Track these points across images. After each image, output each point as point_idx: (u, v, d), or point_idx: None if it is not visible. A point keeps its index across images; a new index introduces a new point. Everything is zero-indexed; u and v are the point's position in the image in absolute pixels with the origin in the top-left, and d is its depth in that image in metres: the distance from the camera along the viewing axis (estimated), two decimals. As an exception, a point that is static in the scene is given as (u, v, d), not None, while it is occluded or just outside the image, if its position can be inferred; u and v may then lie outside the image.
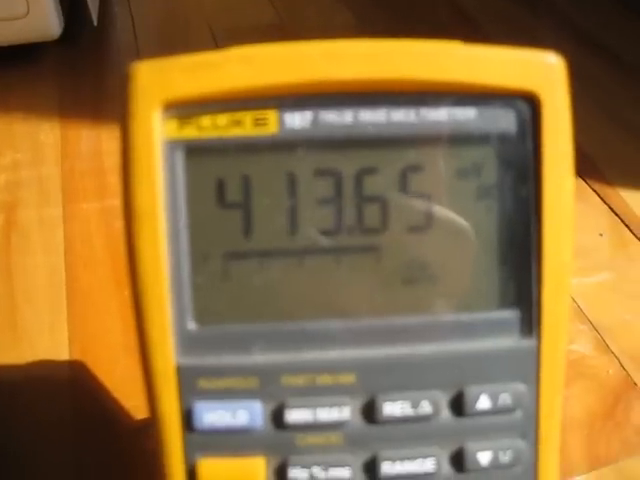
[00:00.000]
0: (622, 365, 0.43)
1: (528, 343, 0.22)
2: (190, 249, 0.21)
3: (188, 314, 0.21)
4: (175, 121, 0.21)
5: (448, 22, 0.76)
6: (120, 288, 0.48)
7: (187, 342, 0.21)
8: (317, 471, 0.21)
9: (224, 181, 0.21)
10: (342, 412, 0.21)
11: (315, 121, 0.21)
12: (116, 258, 0.50)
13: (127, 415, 0.40)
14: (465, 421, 0.22)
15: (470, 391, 0.21)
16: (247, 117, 0.21)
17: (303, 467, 0.21)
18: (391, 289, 0.22)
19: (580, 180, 0.56)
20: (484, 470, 0.22)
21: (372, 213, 0.21)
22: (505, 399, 0.21)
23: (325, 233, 0.21)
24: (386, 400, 0.21)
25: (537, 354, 0.22)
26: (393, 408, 0.21)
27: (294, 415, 0.21)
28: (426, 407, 0.21)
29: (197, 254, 0.21)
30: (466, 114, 0.21)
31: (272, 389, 0.21)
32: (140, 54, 0.71)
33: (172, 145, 0.21)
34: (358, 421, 0.21)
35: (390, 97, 0.21)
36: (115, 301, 0.47)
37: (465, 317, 0.22)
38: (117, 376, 0.42)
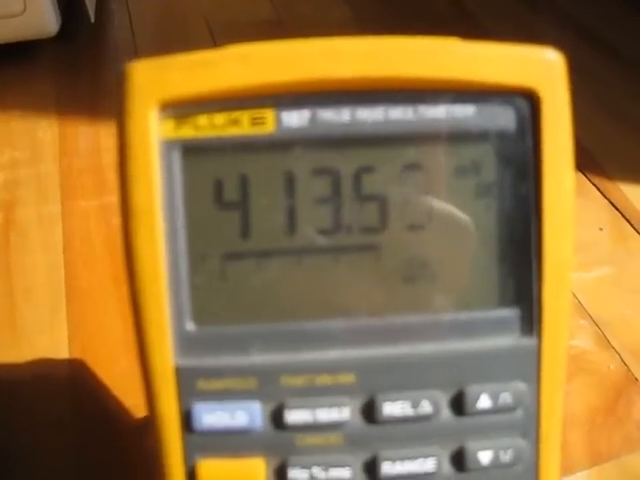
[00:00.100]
0: (623, 360, 0.43)
1: (528, 342, 0.21)
2: (188, 249, 0.21)
3: (186, 315, 0.21)
4: (172, 121, 0.20)
5: (447, 17, 0.75)
6: (119, 285, 0.47)
7: (185, 343, 0.21)
8: (317, 471, 0.21)
9: (221, 181, 0.21)
10: (342, 412, 0.21)
11: (313, 120, 0.21)
12: (115, 255, 0.50)
13: (127, 413, 0.40)
14: (465, 420, 0.21)
15: (470, 390, 0.21)
16: (244, 116, 0.21)
17: (303, 467, 0.21)
18: (390, 288, 0.22)
19: (580, 174, 0.55)
20: (485, 469, 0.22)
21: (371, 212, 0.21)
22: (506, 398, 0.21)
23: (323, 232, 0.21)
24: (386, 400, 0.21)
25: (538, 353, 0.21)
26: (393, 408, 0.21)
27: (293, 415, 0.21)
28: (426, 407, 0.21)
29: (195, 254, 0.21)
30: (465, 111, 0.21)
31: (271, 390, 0.21)
32: (137, 50, 0.71)
33: (169, 145, 0.20)
34: (358, 421, 0.21)
35: (388, 95, 0.21)
36: (115, 299, 0.47)
37: (465, 316, 0.22)
38: (117, 374, 0.42)
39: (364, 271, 0.21)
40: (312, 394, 0.21)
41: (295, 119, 0.21)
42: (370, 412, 0.21)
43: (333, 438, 0.21)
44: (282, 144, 0.21)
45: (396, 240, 0.21)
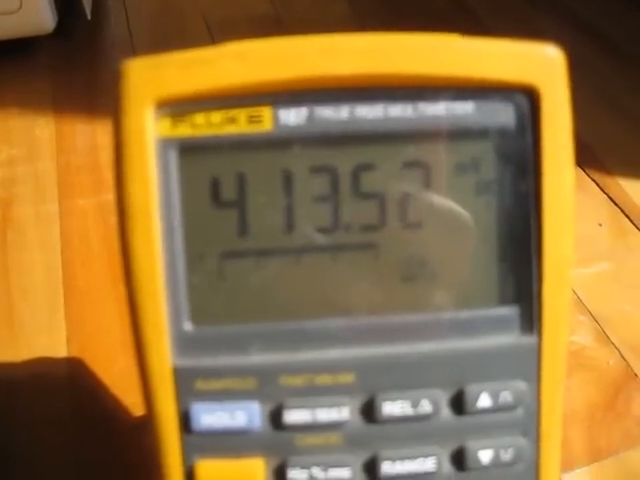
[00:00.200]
0: (622, 356, 0.43)
1: (529, 340, 0.21)
2: (185, 248, 0.21)
3: (184, 314, 0.21)
4: (168, 119, 0.20)
5: (446, 13, 0.75)
6: (117, 284, 0.47)
7: (183, 343, 0.21)
8: (317, 472, 0.21)
9: (219, 179, 0.21)
10: (341, 412, 0.21)
11: (311, 117, 0.20)
12: (113, 254, 0.50)
13: (125, 412, 0.40)
14: (466, 420, 0.21)
15: (470, 389, 0.21)
16: (241, 114, 0.20)
17: (302, 468, 0.21)
18: (390, 287, 0.22)
19: (579, 169, 0.55)
20: (485, 469, 0.22)
21: (370, 210, 0.21)
22: (506, 397, 0.21)
23: (322, 231, 0.21)
24: (386, 399, 0.21)
25: (538, 351, 0.21)
26: (393, 407, 0.21)
27: (293, 416, 0.21)
28: (426, 406, 0.21)
29: (192, 253, 0.21)
30: (464, 108, 0.21)
31: (270, 390, 0.21)
32: (135, 47, 0.71)
33: (165, 143, 0.20)
34: (358, 421, 0.21)
35: (387, 92, 0.20)
36: (113, 298, 0.47)
37: (465, 314, 0.21)
38: (115, 373, 0.42)
39: (363, 270, 0.21)
40: (311, 394, 0.21)
41: (293, 117, 0.20)
42: (370, 412, 0.21)
43: (333, 438, 0.21)
44: (280, 142, 0.21)
45: (395, 238, 0.21)
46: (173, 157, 0.20)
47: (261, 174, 0.21)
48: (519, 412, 0.22)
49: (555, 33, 0.68)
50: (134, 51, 0.69)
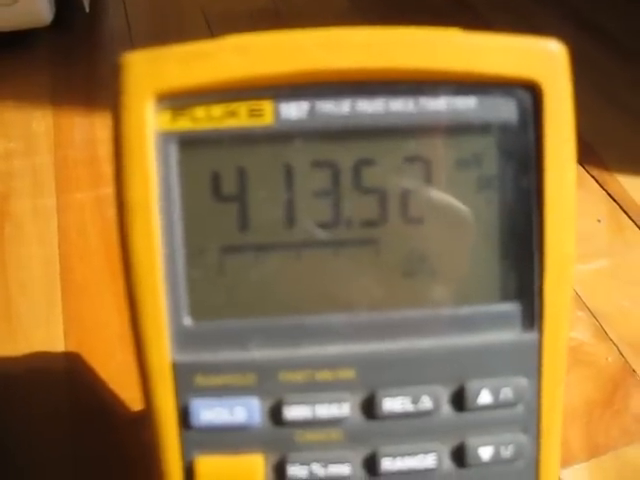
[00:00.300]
0: (621, 352, 0.43)
1: (530, 336, 0.21)
2: (185, 243, 0.21)
3: (183, 309, 0.21)
4: (168, 112, 0.20)
5: (446, 8, 0.75)
6: (115, 279, 0.47)
7: (183, 338, 0.21)
8: (316, 468, 0.21)
9: (219, 173, 0.21)
10: (341, 408, 0.21)
11: (312, 111, 0.20)
12: (111, 248, 0.49)
13: (123, 406, 0.40)
14: (466, 416, 0.21)
15: (471, 386, 0.21)
16: (242, 108, 0.20)
17: (302, 464, 0.21)
18: (391, 282, 0.21)
19: (578, 165, 0.55)
20: (485, 465, 0.21)
21: (371, 205, 0.21)
22: (507, 393, 0.21)
23: (323, 226, 0.21)
24: (386, 395, 0.21)
25: (539, 347, 0.21)
26: (393, 403, 0.21)
27: (293, 412, 0.21)
28: (427, 402, 0.21)
29: (192, 248, 0.21)
30: (466, 103, 0.21)
31: (270, 385, 0.21)
32: (133, 40, 0.70)
33: (165, 137, 0.20)
34: (358, 417, 0.21)
35: (388, 86, 0.20)
36: (110, 292, 0.47)
37: (466, 310, 0.21)
38: (113, 367, 0.42)
39: (364, 265, 0.21)
40: (311, 390, 0.21)
41: (294, 111, 0.20)
42: (370, 408, 0.21)
43: (333, 434, 0.21)
44: (281, 136, 0.20)
45: (396, 234, 0.21)
46: (173, 151, 0.20)
47: (262, 168, 0.21)
48: (520, 409, 0.21)
49: (555, 28, 0.68)
50: (132, 44, 0.69)
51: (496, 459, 0.21)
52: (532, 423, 0.22)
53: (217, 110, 0.20)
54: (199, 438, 0.21)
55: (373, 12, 0.73)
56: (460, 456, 0.21)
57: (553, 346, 0.21)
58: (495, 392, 0.21)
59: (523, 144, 0.21)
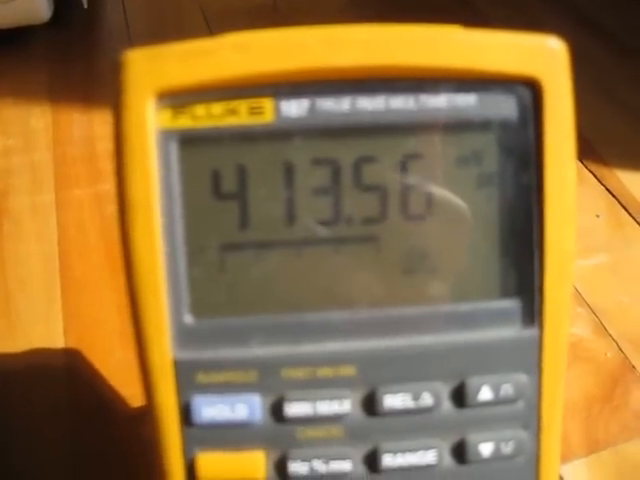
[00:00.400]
0: (620, 348, 0.43)
1: (530, 333, 0.21)
2: (186, 241, 0.21)
3: (185, 307, 0.21)
4: (169, 110, 0.20)
5: (445, 4, 0.75)
6: (114, 275, 0.47)
7: (184, 336, 0.21)
8: (317, 464, 0.21)
9: (219, 171, 0.21)
10: (342, 405, 0.21)
11: (312, 109, 0.20)
12: (110, 245, 0.49)
13: (123, 403, 0.40)
14: (467, 412, 0.21)
15: (472, 382, 0.21)
16: (242, 106, 0.20)
17: (303, 461, 0.21)
18: (391, 279, 0.21)
19: (577, 161, 0.55)
20: (486, 461, 0.22)
21: (371, 202, 0.21)
22: (507, 390, 0.21)
23: (323, 223, 0.21)
24: (387, 392, 0.21)
25: (539, 344, 0.21)
26: (394, 400, 0.21)
27: (294, 408, 0.21)
28: (427, 399, 0.21)
29: (193, 246, 0.21)
30: (466, 101, 0.21)
31: (271, 382, 0.21)
32: (131, 36, 0.70)
33: (166, 135, 0.20)
34: (359, 414, 0.21)
35: (389, 84, 0.20)
36: (110, 288, 0.47)
37: (466, 307, 0.21)
38: (113, 364, 0.42)
39: (365, 262, 0.21)
40: (312, 387, 0.21)
41: (294, 108, 0.20)
42: (371, 404, 0.21)
43: (334, 431, 0.21)
44: (281, 134, 0.20)
45: (397, 231, 0.21)
46: (174, 149, 0.20)
47: (262, 166, 0.21)
48: (520, 405, 0.22)
49: (554, 24, 0.68)
50: (130, 41, 0.69)
51: (496, 455, 0.22)
52: (532, 419, 0.22)
53: (217, 108, 0.20)
54: (201, 435, 0.21)
55: (370, 9, 0.73)
56: (460, 452, 0.22)
57: (553, 342, 0.21)
58: (495, 388, 0.21)
59: (523, 141, 0.21)
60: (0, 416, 0.40)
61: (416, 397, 0.21)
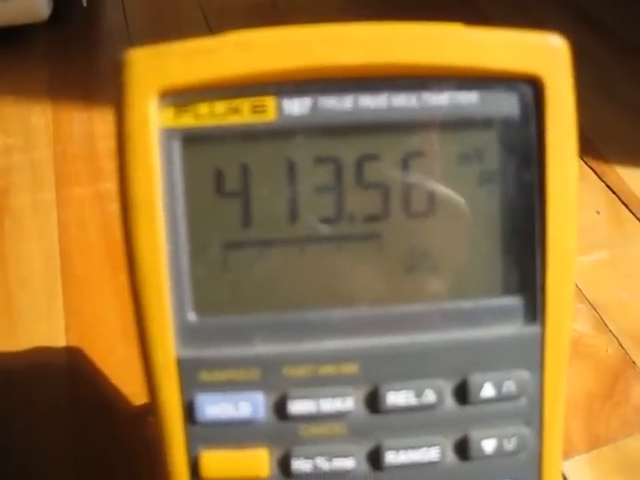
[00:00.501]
0: (621, 344, 0.43)
1: (532, 330, 0.21)
2: (189, 239, 0.21)
3: (188, 305, 0.21)
4: (171, 109, 0.20)
5: (445, 3, 0.75)
6: (116, 273, 0.47)
7: (187, 334, 0.21)
8: (321, 462, 0.21)
9: (222, 170, 0.21)
10: (345, 402, 0.21)
11: (314, 107, 0.20)
12: (111, 243, 0.49)
13: (125, 401, 0.40)
14: (469, 409, 0.21)
15: (474, 379, 0.21)
16: (245, 104, 0.20)
17: (307, 458, 0.21)
18: (393, 277, 0.22)
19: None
20: (488, 458, 0.22)
21: (373, 200, 0.21)
22: (509, 386, 0.21)
23: (326, 221, 0.21)
24: (389, 389, 0.21)
25: (541, 341, 0.21)
26: (397, 397, 0.21)
27: (297, 406, 0.21)
28: (430, 396, 0.21)
29: (196, 244, 0.21)
30: (468, 98, 0.21)
31: (274, 380, 0.21)
32: (131, 34, 0.70)
33: (169, 134, 0.20)
34: (361, 411, 0.21)
35: (391, 82, 0.20)
36: (111, 286, 0.47)
37: (468, 304, 0.21)
38: (114, 362, 0.42)
39: (367, 260, 0.21)
40: (315, 384, 0.21)
41: (297, 107, 0.20)
42: (374, 402, 0.21)
43: (337, 428, 0.21)
44: (283, 132, 0.20)
45: (399, 228, 0.21)
46: (176, 147, 0.20)
47: (265, 164, 0.21)
48: (522, 402, 0.22)
49: (554, 21, 0.68)
50: (130, 38, 0.69)
51: (499, 452, 0.22)
52: (535, 416, 0.22)
53: (220, 106, 0.20)
54: (204, 433, 0.21)
55: (370, 7, 0.73)
56: (463, 449, 0.22)
57: (555, 339, 0.21)
58: (498, 385, 0.21)
59: (525, 138, 0.21)
60: (1, 415, 0.40)
61: (419, 394, 0.21)
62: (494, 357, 0.21)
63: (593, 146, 0.57)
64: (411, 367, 0.21)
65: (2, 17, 0.65)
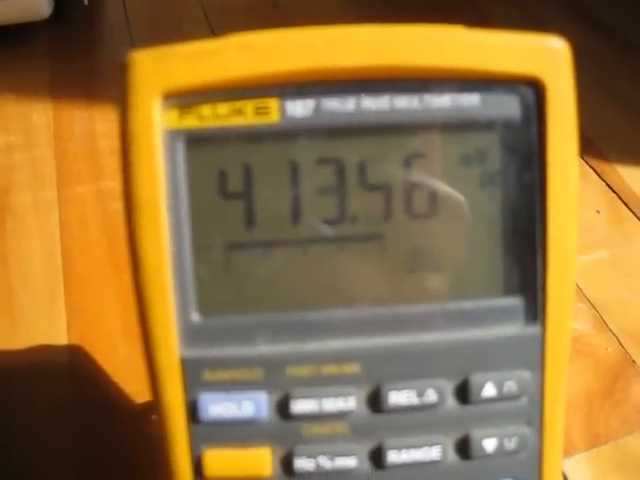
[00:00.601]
0: (620, 343, 0.43)
1: (533, 330, 0.21)
2: (192, 240, 0.21)
3: (191, 306, 0.21)
4: (175, 111, 0.20)
5: (446, 2, 0.74)
6: (117, 272, 0.47)
7: (191, 334, 0.21)
8: (323, 461, 0.21)
9: (225, 171, 0.21)
10: (347, 402, 0.21)
11: (317, 109, 0.21)
12: (112, 241, 0.50)
13: (127, 399, 0.40)
14: (470, 409, 0.22)
15: (475, 379, 0.21)
16: (248, 106, 0.20)
17: (309, 457, 0.21)
18: (395, 277, 0.22)
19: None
20: (489, 457, 0.22)
21: (375, 201, 0.21)
22: (510, 386, 0.21)
23: (328, 222, 0.21)
24: (391, 389, 0.21)
25: (542, 341, 0.21)
26: (399, 397, 0.21)
27: (299, 405, 0.21)
28: (431, 395, 0.21)
29: (199, 245, 0.21)
30: (470, 100, 0.21)
31: (277, 380, 0.21)
32: (132, 32, 0.70)
33: (172, 135, 0.20)
34: (364, 410, 0.21)
35: (393, 84, 0.21)
36: (112, 284, 0.47)
37: (470, 305, 0.22)
38: (116, 361, 0.42)
39: (369, 260, 0.21)
40: (318, 384, 0.21)
41: (299, 109, 0.20)
42: (376, 401, 0.21)
43: (339, 427, 0.21)
44: (286, 134, 0.21)
45: (401, 229, 0.21)
46: (180, 149, 0.20)
47: (268, 166, 0.21)
48: (523, 401, 0.22)
49: (555, 20, 0.68)
50: (131, 37, 0.69)
51: (500, 451, 0.22)
52: (535, 415, 0.22)
53: (223, 108, 0.20)
54: (207, 432, 0.21)
55: (370, 7, 0.73)
56: (464, 448, 0.22)
57: (556, 339, 0.22)
58: (499, 385, 0.21)
59: (526, 140, 0.21)
60: (3, 413, 0.40)
61: (420, 394, 0.21)
62: (495, 357, 0.22)
63: (593, 145, 0.57)
64: (413, 367, 0.21)
65: (3, 15, 0.65)
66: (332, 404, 0.21)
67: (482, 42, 0.20)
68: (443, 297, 0.22)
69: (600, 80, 0.62)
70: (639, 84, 0.62)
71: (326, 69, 0.20)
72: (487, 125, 0.21)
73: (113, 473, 0.37)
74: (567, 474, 0.37)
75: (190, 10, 0.74)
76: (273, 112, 0.20)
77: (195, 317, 0.21)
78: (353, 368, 0.21)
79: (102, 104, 0.61)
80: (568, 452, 0.38)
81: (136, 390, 0.40)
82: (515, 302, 0.22)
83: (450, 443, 0.22)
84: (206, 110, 0.20)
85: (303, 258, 0.21)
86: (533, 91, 0.21)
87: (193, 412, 0.21)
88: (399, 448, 0.21)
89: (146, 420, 0.38)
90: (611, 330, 0.44)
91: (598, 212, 0.52)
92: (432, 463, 0.22)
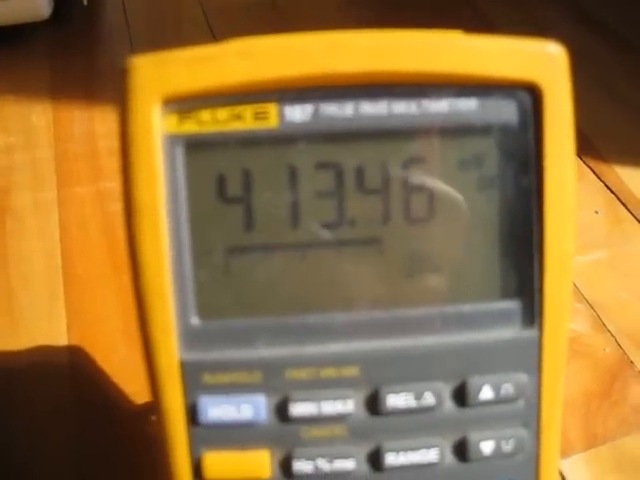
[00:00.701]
0: (618, 343, 0.44)
1: (530, 333, 0.22)
2: (192, 244, 0.21)
3: (191, 309, 0.21)
4: (175, 116, 0.20)
5: (444, 4, 0.75)
6: (117, 272, 0.47)
7: (190, 337, 0.21)
8: (322, 463, 0.21)
9: (225, 175, 0.21)
10: (346, 404, 0.21)
11: (316, 114, 0.21)
12: (112, 242, 0.50)
13: (127, 400, 0.40)
14: (468, 411, 0.22)
15: (473, 382, 0.22)
16: (247, 111, 0.21)
17: (308, 459, 0.21)
18: (393, 281, 0.22)
19: (576, 157, 0.55)
20: (487, 459, 0.22)
21: (374, 205, 0.21)
22: (507, 389, 0.22)
23: (327, 226, 0.21)
24: (390, 392, 0.21)
25: (539, 344, 0.22)
26: (397, 400, 0.21)
27: (298, 408, 0.21)
28: (429, 398, 0.21)
29: (199, 249, 0.21)
30: (467, 105, 0.21)
31: (276, 383, 0.21)
32: (131, 33, 0.70)
33: (172, 140, 0.20)
34: (362, 413, 0.22)
35: (391, 89, 0.21)
36: (112, 285, 0.47)
37: (467, 308, 0.22)
38: (116, 362, 0.42)
39: (368, 264, 0.22)
40: (317, 387, 0.21)
41: (298, 114, 0.21)
42: (374, 404, 0.21)
43: (337, 430, 0.22)
44: (285, 139, 0.21)
45: (399, 233, 0.22)
46: (179, 153, 0.21)
47: (267, 170, 0.21)
48: (520, 404, 0.22)
49: (554, 21, 0.68)
50: (130, 37, 0.69)
51: (497, 453, 0.22)
52: (532, 418, 0.22)
53: (223, 113, 0.20)
54: (207, 434, 0.21)
55: (369, 7, 0.73)
56: (462, 451, 0.22)
57: (553, 343, 0.22)
58: (496, 388, 0.22)
59: (523, 145, 0.21)
60: (3, 414, 0.40)
61: (418, 397, 0.21)
62: (492, 360, 0.22)
63: (592, 145, 0.57)
64: (411, 370, 0.21)
65: (3, 16, 0.65)
66: (331, 407, 0.21)
67: (479, 47, 0.21)
68: (441, 300, 0.22)
69: (600, 80, 0.63)
70: (638, 84, 0.63)
71: (324, 74, 0.20)
72: (485, 130, 0.21)
73: (113, 474, 0.37)
74: (565, 474, 0.37)
75: (189, 10, 0.74)
76: (272, 117, 0.21)
77: (195, 320, 0.21)
78: (352, 371, 0.21)
79: (102, 104, 0.61)
80: (566, 452, 0.38)
81: (136, 390, 0.40)
82: (512, 305, 0.22)
83: (448, 445, 0.22)
84: (205, 115, 0.20)
85: (302, 262, 0.21)
86: (530, 96, 0.21)
87: (193, 415, 0.21)
88: (397, 450, 0.22)
89: (146, 421, 0.38)
90: (609, 330, 0.44)
91: (597, 213, 0.52)
92: (430, 465, 0.22)
